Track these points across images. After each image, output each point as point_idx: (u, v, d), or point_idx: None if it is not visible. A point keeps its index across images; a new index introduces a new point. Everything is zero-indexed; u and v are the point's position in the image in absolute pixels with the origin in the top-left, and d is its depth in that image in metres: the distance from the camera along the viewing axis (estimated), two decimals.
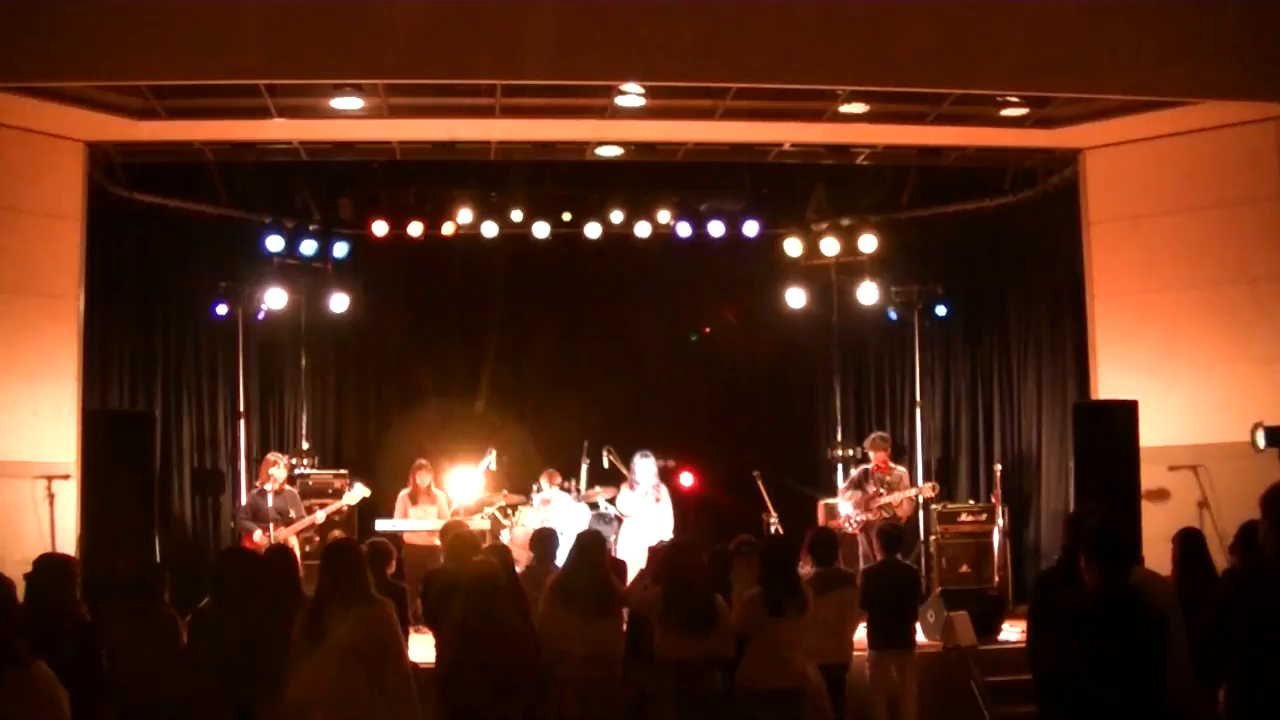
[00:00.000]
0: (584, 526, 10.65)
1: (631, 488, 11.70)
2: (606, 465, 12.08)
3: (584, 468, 12.18)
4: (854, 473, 11.81)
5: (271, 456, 11.37)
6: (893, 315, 13.12)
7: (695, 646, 6.30)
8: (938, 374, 13.43)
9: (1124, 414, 10.38)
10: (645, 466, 11.69)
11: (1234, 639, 4.41)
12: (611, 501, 12.03)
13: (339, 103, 10.38)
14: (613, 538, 11.80)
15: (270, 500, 10.85)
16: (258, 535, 10.65)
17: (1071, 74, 9.81)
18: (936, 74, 9.78)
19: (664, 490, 11.82)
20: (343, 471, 12.15)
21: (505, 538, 11.27)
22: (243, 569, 6.18)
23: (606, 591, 6.71)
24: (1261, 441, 9.89)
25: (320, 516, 11.12)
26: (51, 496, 10.08)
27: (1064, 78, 9.89)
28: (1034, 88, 10.24)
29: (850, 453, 13.36)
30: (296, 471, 12.07)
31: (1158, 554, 6.98)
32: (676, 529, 11.61)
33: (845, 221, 13.45)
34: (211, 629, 5.88)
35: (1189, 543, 6.63)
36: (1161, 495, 10.70)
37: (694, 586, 6.52)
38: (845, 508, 11.51)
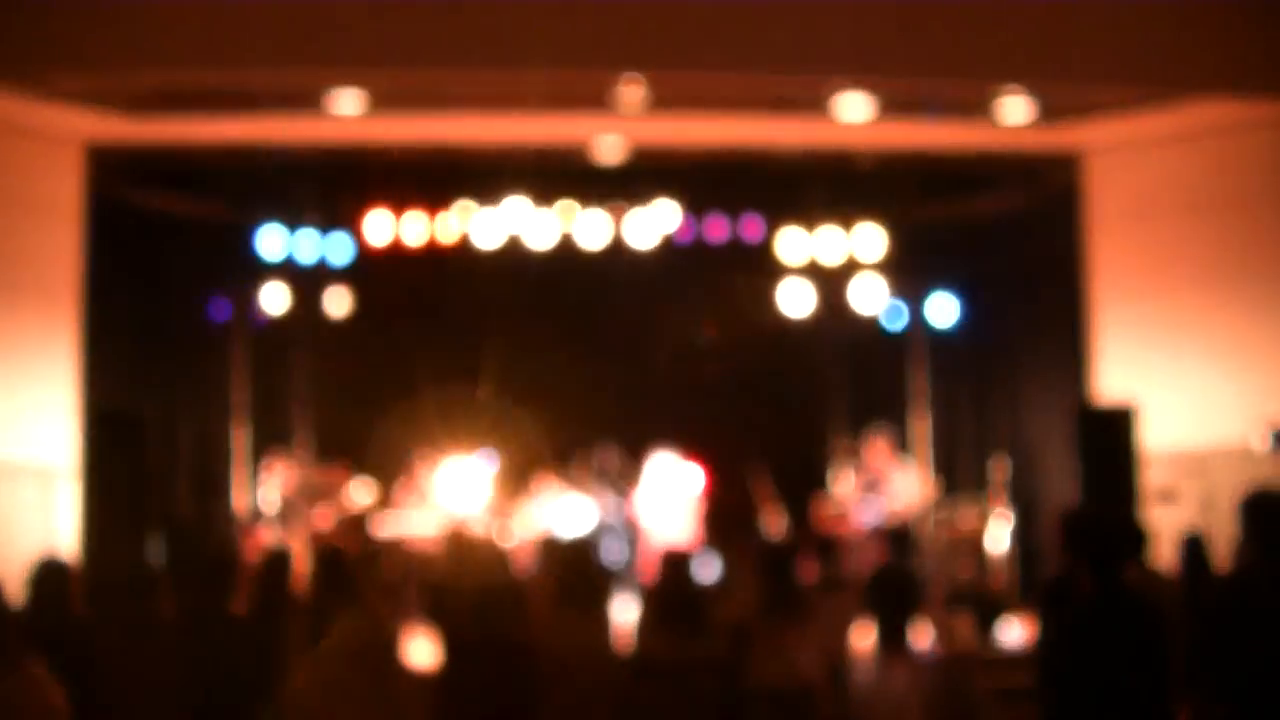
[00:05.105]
0: (584, 529, 10.62)
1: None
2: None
3: (584, 468, 12.15)
4: (853, 476, 11.78)
5: (273, 458, 11.35)
6: (893, 316, 13.09)
7: (686, 647, 6.29)
8: (938, 374, 13.40)
9: (1125, 415, 10.38)
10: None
11: (1221, 648, 4.42)
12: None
13: (339, 103, 10.37)
14: (610, 539, 11.79)
15: (271, 501, 10.84)
16: (259, 537, 10.64)
17: (1072, 74, 9.80)
18: (937, 73, 9.77)
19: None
20: (343, 472, 12.12)
21: (506, 540, 11.25)
22: (242, 571, 6.17)
23: (603, 593, 6.71)
24: (1266, 443, 9.88)
25: (326, 517, 11.11)
26: (51, 497, 10.05)
27: (1065, 78, 9.88)
28: (1035, 87, 10.23)
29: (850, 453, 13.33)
30: (296, 473, 12.05)
31: (1161, 555, 6.98)
32: None
33: (845, 221, 13.43)
34: (210, 631, 5.86)
35: (1192, 548, 6.63)
36: (1169, 496, 10.70)
37: (683, 587, 6.52)
38: (851, 510, 11.51)
